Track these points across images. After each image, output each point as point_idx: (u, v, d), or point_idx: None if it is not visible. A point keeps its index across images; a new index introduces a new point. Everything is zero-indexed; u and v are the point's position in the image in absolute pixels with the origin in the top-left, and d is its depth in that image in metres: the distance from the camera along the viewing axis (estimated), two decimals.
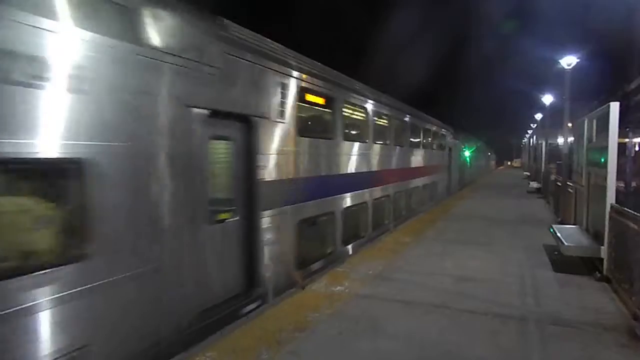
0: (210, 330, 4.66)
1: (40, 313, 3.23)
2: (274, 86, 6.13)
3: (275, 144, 6.18)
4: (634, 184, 15.42)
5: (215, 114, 4.86)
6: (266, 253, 5.83)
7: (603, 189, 6.48)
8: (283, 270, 6.19)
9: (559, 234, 7.54)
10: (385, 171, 11.26)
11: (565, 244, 6.97)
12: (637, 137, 17.70)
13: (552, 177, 16.94)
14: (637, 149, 18.25)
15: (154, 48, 4.11)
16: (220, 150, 5.26)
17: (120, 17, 3.84)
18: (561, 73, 19.04)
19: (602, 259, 6.46)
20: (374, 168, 10.39)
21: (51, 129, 3.31)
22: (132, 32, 3.92)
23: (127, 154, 3.85)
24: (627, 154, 15.61)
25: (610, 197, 6.27)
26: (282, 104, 6.31)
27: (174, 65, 4.32)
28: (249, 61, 5.55)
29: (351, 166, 9.03)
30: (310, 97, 7.27)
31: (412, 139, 14.25)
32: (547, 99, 28.67)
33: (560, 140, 26.11)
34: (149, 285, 4.08)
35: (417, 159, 14.79)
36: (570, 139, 15.94)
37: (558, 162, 20.80)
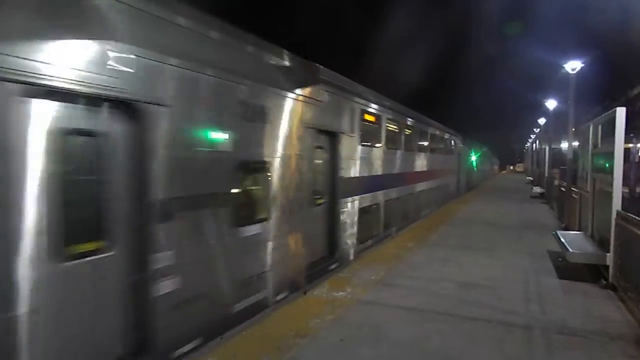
0: (313, 276, 6.73)
1: (262, 245, 5.67)
2: (347, 110, 8.31)
3: (348, 151, 8.31)
4: (638, 189, 15.32)
5: (318, 131, 7.09)
6: (341, 229, 8.01)
7: (608, 194, 6.41)
8: (350, 243, 8.45)
9: (563, 240, 7.46)
10: (414, 173, 13.98)
11: (570, 250, 6.89)
12: None
13: (556, 182, 16.85)
14: None
15: (297, 93, 6.48)
16: (318, 156, 7.37)
17: (291, 78, 6.42)
18: (565, 77, 18.96)
19: (607, 266, 6.38)
20: (406, 170, 12.91)
21: (263, 146, 5.69)
22: (290, 85, 6.32)
23: (282, 157, 6.08)
24: (631, 160, 15.53)
25: (616, 204, 6.19)
26: (352, 122, 8.50)
27: (302, 102, 6.59)
28: (334, 94, 7.67)
29: (390, 168, 11.36)
30: (366, 116, 9.48)
31: (431, 147, 16.73)
32: (551, 103, 28.52)
33: (564, 145, 26.01)
34: (303, 236, 6.59)
35: (435, 163, 17.11)
36: (575, 143, 15.87)
37: (562, 167, 20.69)
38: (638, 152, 16.90)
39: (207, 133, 4.69)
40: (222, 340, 4.43)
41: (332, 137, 7.72)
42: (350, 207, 8.42)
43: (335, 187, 7.79)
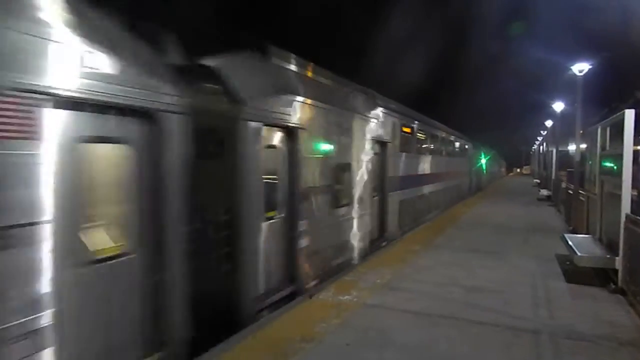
0: (373, 249, 9.09)
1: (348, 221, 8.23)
2: (391, 124, 10.66)
3: (392, 156, 10.72)
4: None
5: (374, 140, 9.40)
6: (389, 216, 10.45)
7: (617, 197, 6.35)
8: (394, 227, 10.92)
9: (571, 244, 7.39)
10: (438, 174, 16.67)
11: (578, 254, 6.82)
12: None
13: (563, 184, 16.71)
14: None
15: (363, 113, 8.95)
16: (375, 159, 9.46)
17: (359, 103, 9.13)
18: (572, 79, 18.81)
19: (616, 270, 6.31)
20: (432, 171, 15.63)
21: (347, 153, 8.22)
22: (360, 108, 8.89)
23: (357, 161, 8.55)
24: (639, 162, 15.35)
25: (626, 207, 6.13)
26: (394, 133, 10.87)
27: (367, 120, 9.09)
28: (384, 112, 10.09)
29: (421, 169, 14.14)
30: (404, 129, 11.99)
31: (450, 151, 19.87)
32: (558, 105, 28.29)
33: (572, 148, 25.81)
34: (369, 219, 9.11)
35: (452, 166, 20.19)
36: (583, 146, 15.74)
37: (569, 169, 20.49)
38: None
39: (321, 145, 7.16)
40: (229, 345, 4.42)
41: (382, 145, 10.09)
42: (394, 199, 10.90)
43: (384, 184, 10.24)
